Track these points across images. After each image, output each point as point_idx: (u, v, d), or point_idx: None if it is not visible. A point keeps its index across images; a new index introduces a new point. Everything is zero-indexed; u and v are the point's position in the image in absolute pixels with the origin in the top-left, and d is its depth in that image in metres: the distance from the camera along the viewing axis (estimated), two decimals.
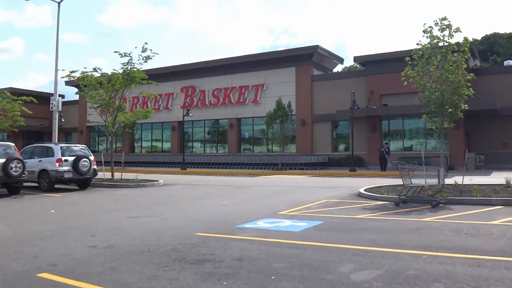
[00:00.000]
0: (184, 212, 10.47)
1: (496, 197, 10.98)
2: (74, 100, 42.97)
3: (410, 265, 5.30)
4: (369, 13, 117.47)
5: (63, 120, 39.75)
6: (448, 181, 14.91)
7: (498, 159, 27.40)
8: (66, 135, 46.74)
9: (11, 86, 41.50)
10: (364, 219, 8.97)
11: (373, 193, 12.88)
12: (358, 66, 38.71)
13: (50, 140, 30.06)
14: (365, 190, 13.54)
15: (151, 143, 41.77)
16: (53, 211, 10.94)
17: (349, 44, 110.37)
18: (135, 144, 42.63)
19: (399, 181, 12.47)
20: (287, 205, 11.28)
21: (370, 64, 30.51)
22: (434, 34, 13.24)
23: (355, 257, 5.73)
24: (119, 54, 17.98)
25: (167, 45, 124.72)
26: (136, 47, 18.29)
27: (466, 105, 13.35)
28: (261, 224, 8.53)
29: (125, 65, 18.30)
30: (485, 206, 10.39)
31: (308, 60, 32.72)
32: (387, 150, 26.27)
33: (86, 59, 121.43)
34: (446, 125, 13.60)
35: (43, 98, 31.87)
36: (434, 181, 11.26)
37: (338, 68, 38.25)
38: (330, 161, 30.92)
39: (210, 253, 6.09)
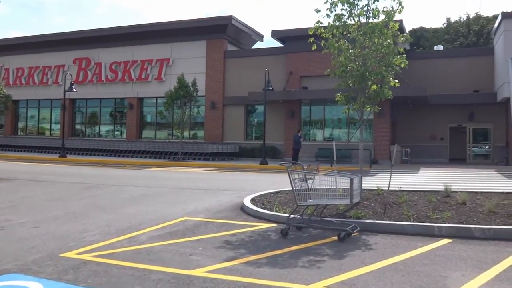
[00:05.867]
0: None
1: (437, 220, 7.08)
2: None
3: None
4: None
5: None
6: (370, 182, 11.09)
7: (424, 152, 24.78)
8: None
9: None
10: (197, 280, 4.54)
11: (261, 206, 8.58)
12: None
13: None
14: (252, 200, 9.23)
15: (38, 124, 35.12)
16: None
17: None
18: (19, 125, 35.78)
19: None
20: (106, 232, 6.71)
21: (289, 41, 26.22)
22: None
23: None
24: None
25: (96, 22, 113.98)
26: None
27: (396, 81, 9.37)
28: None
29: None
30: (423, 237, 6.46)
31: (221, 33, 27.97)
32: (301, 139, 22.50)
33: (6, 32, 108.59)
34: (369, 109, 9.60)
35: None
36: (345, 181, 6.88)
37: (259, 46, 33.66)
38: (241, 151, 26.60)
39: None
